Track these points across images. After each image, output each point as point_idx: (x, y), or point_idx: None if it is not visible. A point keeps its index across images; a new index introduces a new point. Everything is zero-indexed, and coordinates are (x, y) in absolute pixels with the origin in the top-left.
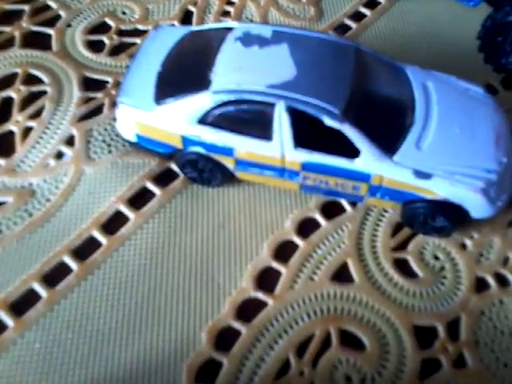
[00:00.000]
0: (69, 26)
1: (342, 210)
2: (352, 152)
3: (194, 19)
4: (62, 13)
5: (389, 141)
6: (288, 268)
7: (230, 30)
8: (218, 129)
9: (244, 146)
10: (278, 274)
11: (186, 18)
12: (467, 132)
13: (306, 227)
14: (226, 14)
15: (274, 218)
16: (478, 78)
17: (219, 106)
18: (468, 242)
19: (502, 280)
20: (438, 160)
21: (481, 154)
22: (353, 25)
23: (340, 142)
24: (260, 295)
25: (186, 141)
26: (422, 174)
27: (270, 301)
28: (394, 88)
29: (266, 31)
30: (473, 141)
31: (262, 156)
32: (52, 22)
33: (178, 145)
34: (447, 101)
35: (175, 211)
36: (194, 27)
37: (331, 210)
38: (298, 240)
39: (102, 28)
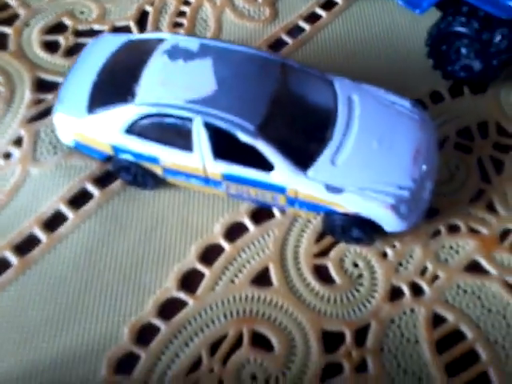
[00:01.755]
0: (27, 25)
1: (271, 215)
2: (268, 166)
3: (150, 20)
4: (21, 11)
5: (304, 156)
6: (211, 270)
7: (161, 41)
8: (143, 139)
9: (168, 156)
10: (201, 276)
11: (142, 18)
12: (385, 147)
13: (235, 232)
14: (181, 14)
15: (205, 222)
16: (425, 83)
17: (143, 117)
18: (389, 251)
19: (416, 289)
20: (352, 175)
21: (396, 170)
22: (307, 27)
23: (256, 156)
24: (182, 295)
25: (115, 149)
26: (333, 189)
27: (190, 301)
28: (318, 103)
29: (194, 44)
30: (389, 156)
31: (186, 166)
32: (10, 20)
33: (110, 152)
34: (370, 115)
35: (111, 212)
36: (133, 36)
37: (261, 215)
38: (224, 244)
39: (59, 28)
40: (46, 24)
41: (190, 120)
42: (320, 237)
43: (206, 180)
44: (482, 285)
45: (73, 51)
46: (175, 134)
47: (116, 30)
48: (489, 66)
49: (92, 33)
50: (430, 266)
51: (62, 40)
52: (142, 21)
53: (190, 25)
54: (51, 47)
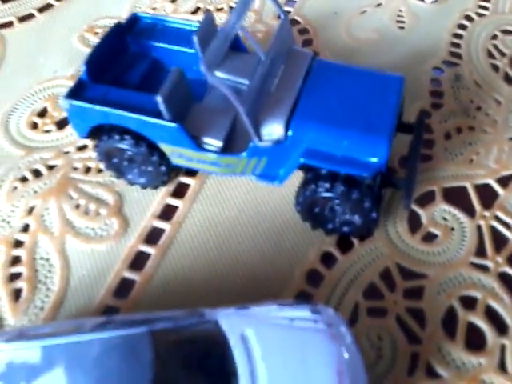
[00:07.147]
0: None
1: None
2: None
3: None
4: None
5: None
6: None
7: None
8: None
9: None
10: None
11: None
12: None
13: None
14: (16, 261)
15: None
16: (313, 246)
17: None
18: None
19: None
20: None
21: None
22: (167, 226)
23: None
24: None
25: None
26: None
27: None
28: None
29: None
30: None
31: None
32: None
33: None
34: (273, 352)
35: None
36: None
37: None
38: None
39: None
40: None
41: None
42: None
43: None
44: None
45: None
46: None
47: None
48: (368, 219)
49: None
50: None
51: None
52: None
53: (31, 272)
54: None
